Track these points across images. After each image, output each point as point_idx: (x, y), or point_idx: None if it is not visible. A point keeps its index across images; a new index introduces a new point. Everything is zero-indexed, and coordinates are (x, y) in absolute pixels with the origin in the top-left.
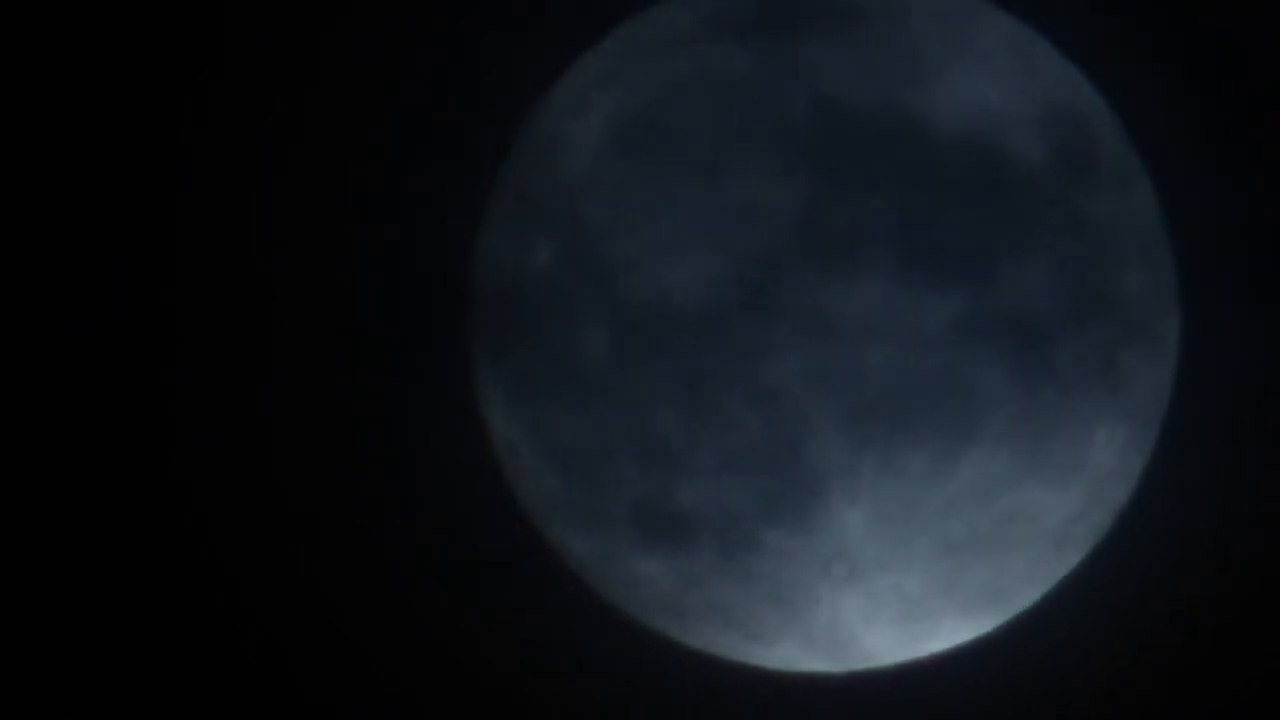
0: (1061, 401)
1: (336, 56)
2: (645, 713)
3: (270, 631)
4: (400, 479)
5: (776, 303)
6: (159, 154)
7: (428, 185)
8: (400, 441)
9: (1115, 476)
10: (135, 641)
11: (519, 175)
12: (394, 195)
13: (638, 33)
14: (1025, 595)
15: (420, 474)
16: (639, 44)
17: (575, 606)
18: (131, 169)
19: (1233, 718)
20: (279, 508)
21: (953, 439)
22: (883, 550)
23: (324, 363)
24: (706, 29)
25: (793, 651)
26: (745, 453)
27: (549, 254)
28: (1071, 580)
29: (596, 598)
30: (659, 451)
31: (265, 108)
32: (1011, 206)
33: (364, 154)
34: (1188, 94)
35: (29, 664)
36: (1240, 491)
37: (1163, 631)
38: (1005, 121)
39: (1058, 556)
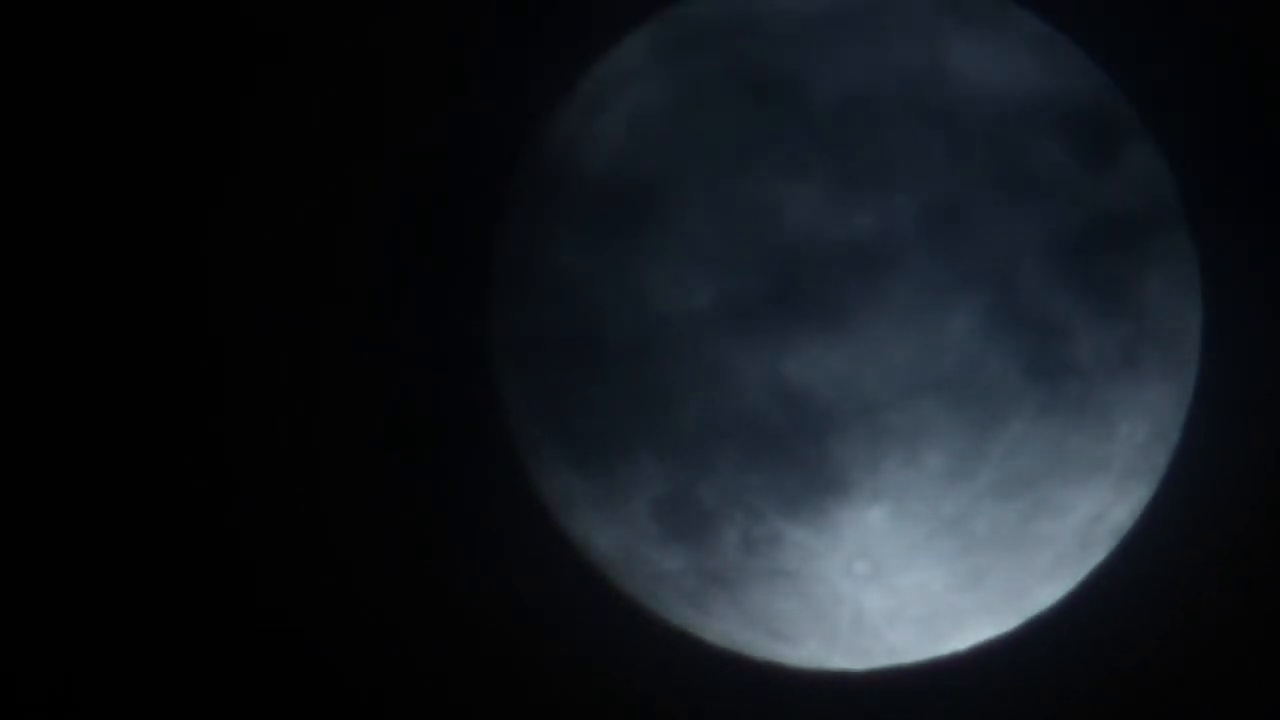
0: (1084, 398)
1: (348, 64)
2: (667, 710)
3: (294, 626)
4: (422, 478)
5: (800, 299)
6: (186, 167)
7: (444, 188)
8: (421, 441)
9: (1138, 473)
10: (164, 645)
11: (538, 176)
12: (409, 198)
13: (658, 31)
14: (1048, 593)
15: (442, 473)
16: (660, 42)
17: (597, 603)
18: (155, 180)
19: (1258, 717)
20: (303, 507)
21: (975, 436)
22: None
23: (345, 365)
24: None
25: (816, 649)
26: (768, 449)
27: (571, 252)
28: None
29: (619, 594)
30: (681, 447)
31: (288, 106)
32: (1032, 203)
33: (377, 161)
34: (1207, 87)
35: (52, 666)
36: (1265, 488)
37: (1187, 629)
38: (1026, 118)
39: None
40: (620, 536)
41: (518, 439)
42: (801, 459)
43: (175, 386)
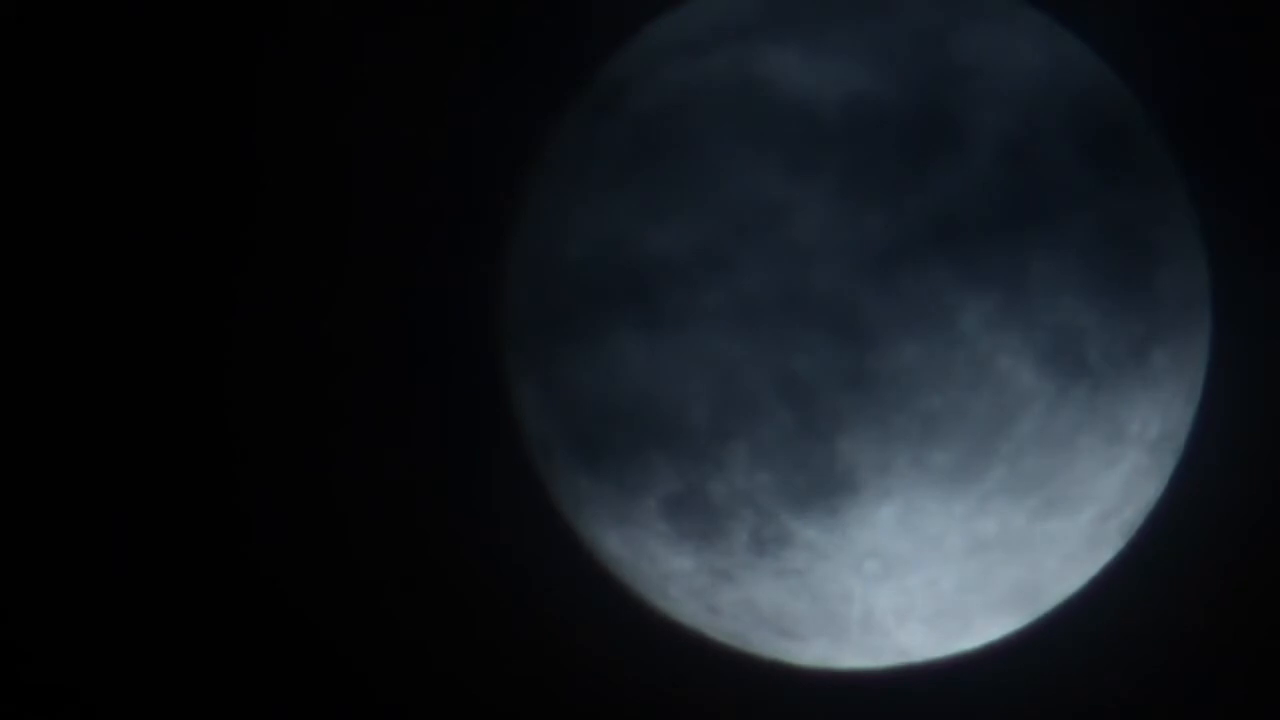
0: (1094, 396)
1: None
2: (677, 710)
3: (296, 626)
4: (432, 478)
5: (810, 299)
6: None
7: (451, 186)
8: (430, 440)
9: (1148, 472)
10: (167, 644)
11: (546, 174)
12: (417, 197)
13: (662, 34)
14: (1058, 592)
15: (453, 472)
16: (664, 45)
17: (607, 602)
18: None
19: (1268, 716)
20: (307, 507)
21: (985, 435)
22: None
23: (350, 364)
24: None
25: (825, 648)
26: (777, 447)
27: (579, 254)
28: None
29: (628, 593)
30: (691, 446)
31: (287, 106)
32: (1042, 203)
33: (382, 159)
34: (1215, 84)
35: (56, 664)
36: (1274, 486)
37: (1196, 627)
38: (1034, 116)
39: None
40: (630, 535)
41: (527, 438)
42: (811, 458)
43: (177, 386)
